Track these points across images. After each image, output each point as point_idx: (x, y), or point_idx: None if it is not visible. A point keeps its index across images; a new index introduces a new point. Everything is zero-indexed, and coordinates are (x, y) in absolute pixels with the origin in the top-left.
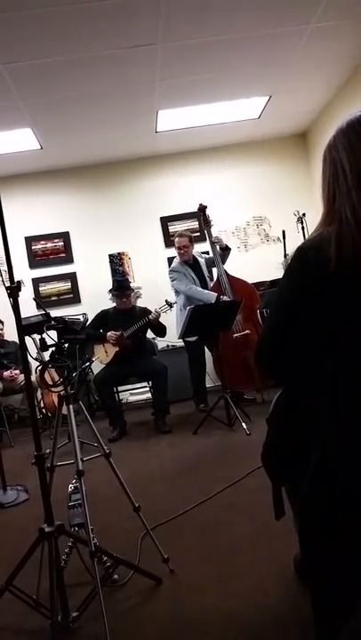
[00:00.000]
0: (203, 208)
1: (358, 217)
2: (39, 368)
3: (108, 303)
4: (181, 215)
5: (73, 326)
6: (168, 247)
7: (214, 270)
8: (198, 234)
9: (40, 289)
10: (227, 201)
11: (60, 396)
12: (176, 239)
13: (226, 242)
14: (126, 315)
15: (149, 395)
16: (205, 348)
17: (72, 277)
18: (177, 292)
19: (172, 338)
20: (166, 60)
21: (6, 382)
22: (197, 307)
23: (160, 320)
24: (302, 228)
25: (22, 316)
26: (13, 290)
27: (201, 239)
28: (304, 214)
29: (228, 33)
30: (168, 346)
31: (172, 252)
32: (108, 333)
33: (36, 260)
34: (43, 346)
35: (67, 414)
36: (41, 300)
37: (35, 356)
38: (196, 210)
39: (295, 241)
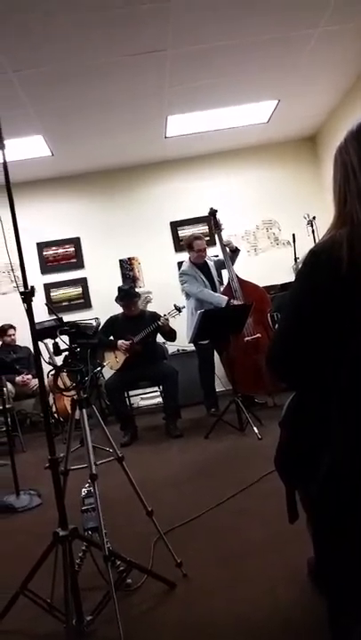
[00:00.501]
0: (213, 212)
1: None
2: (51, 373)
3: (119, 308)
4: (191, 220)
5: (86, 331)
6: (178, 252)
7: (224, 273)
8: (208, 238)
9: (51, 294)
10: (236, 205)
11: (73, 399)
12: (196, 242)
13: (235, 244)
14: (136, 320)
15: (160, 399)
16: (215, 352)
17: (83, 283)
18: (187, 296)
19: (183, 342)
20: (175, 65)
21: (19, 387)
22: (208, 310)
23: (170, 325)
24: (312, 231)
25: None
26: (28, 295)
27: (211, 243)
28: (314, 217)
29: (237, 38)
30: (178, 350)
31: (182, 256)
32: (119, 342)
33: (47, 265)
34: (56, 350)
35: (79, 419)
36: (52, 306)
37: (47, 360)
38: (205, 214)
39: (305, 244)
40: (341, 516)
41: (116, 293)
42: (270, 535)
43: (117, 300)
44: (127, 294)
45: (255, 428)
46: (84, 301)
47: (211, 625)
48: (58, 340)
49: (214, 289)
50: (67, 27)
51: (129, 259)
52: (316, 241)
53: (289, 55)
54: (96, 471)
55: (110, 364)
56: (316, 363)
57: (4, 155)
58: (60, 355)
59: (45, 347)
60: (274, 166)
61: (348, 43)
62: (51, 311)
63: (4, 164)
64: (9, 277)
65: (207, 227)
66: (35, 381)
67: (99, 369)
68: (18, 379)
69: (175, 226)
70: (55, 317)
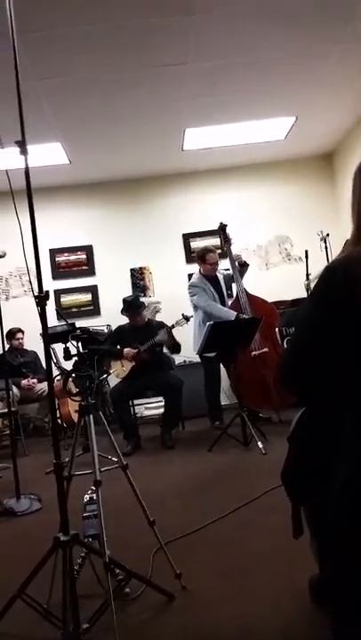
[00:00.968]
0: (223, 227)
1: None
2: (59, 377)
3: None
4: (204, 232)
5: (97, 337)
6: (189, 263)
7: (233, 286)
8: (220, 251)
9: (61, 300)
10: (250, 219)
11: (80, 405)
12: (209, 254)
13: (246, 259)
14: (142, 329)
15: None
16: (221, 365)
17: (93, 290)
18: (195, 308)
19: (189, 353)
20: (195, 79)
21: (24, 391)
22: (217, 323)
23: (175, 337)
24: (325, 247)
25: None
26: (42, 299)
27: (221, 256)
28: (328, 234)
29: (257, 53)
30: (185, 361)
31: (193, 268)
32: (125, 350)
33: (58, 271)
34: (67, 355)
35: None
36: (62, 311)
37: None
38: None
39: (318, 261)
40: (355, 530)
41: None
42: (274, 549)
43: (123, 311)
44: (131, 305)
45: (260, 443)
46: (93, 308)
47: (210, 637)
48: (69, 344)
49: (223, 302)
50: (91, 38)
51: (140, 268)
52: (330, 258)
53: (309, 72)
54: (100, 478)
55: (117, 372)
56: (330, 377)
57: (26, 161)
58: (71, 359)
59: (53, 352)
60: (289, 182)
61: None
62: (60, 316)
63: (26, 170)
64: (20, 281)
65: (219, 240)
66: (40, 386)
67: (105, 376)
68: (23, 382)
69: (187, 237)
70: (65, 322)
